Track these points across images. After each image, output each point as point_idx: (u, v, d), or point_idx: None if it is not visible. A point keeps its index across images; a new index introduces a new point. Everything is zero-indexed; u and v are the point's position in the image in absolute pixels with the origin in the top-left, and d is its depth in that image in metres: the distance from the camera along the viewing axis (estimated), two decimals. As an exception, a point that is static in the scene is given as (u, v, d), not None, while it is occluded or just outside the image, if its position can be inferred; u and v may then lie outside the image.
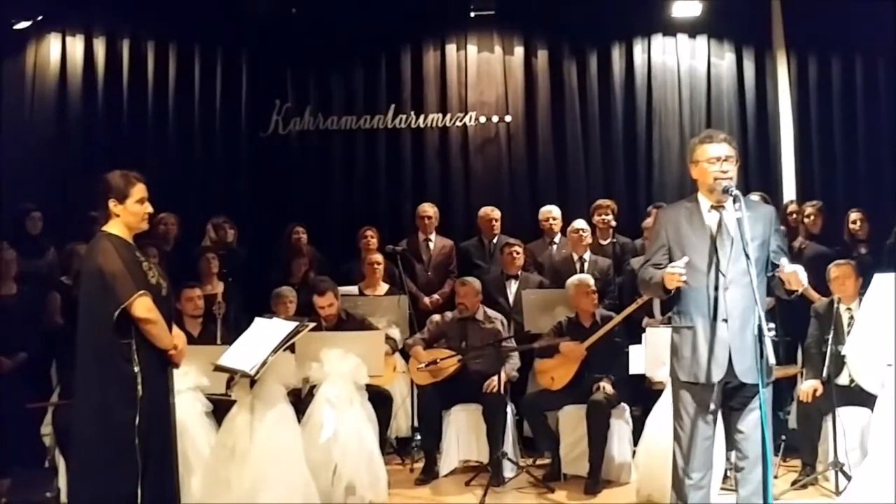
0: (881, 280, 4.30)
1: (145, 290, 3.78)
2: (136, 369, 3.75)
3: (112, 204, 3.87)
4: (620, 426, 5.81)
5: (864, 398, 5.11)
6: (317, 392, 5.31)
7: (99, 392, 3.74)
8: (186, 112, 8.45)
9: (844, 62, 8.30)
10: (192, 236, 7.40)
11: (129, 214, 3.88)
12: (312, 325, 5.00)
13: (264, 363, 4.65)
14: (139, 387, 3.74)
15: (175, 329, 4.02)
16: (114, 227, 3.88)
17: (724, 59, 8.48)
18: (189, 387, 5.09)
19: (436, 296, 7.21)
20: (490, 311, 6.38)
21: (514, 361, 6.16)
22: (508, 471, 5.84)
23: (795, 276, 3.70)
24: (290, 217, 7.71)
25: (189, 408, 5.04)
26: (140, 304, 3.75)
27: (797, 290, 3.79)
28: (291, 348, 5.11)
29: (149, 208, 3.94)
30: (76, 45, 8.36)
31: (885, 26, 7.68)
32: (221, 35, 8.37)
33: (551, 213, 7.48)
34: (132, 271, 3.79)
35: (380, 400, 5.71)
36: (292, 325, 4.83)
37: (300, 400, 5.38)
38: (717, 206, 3.89)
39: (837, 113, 8.31)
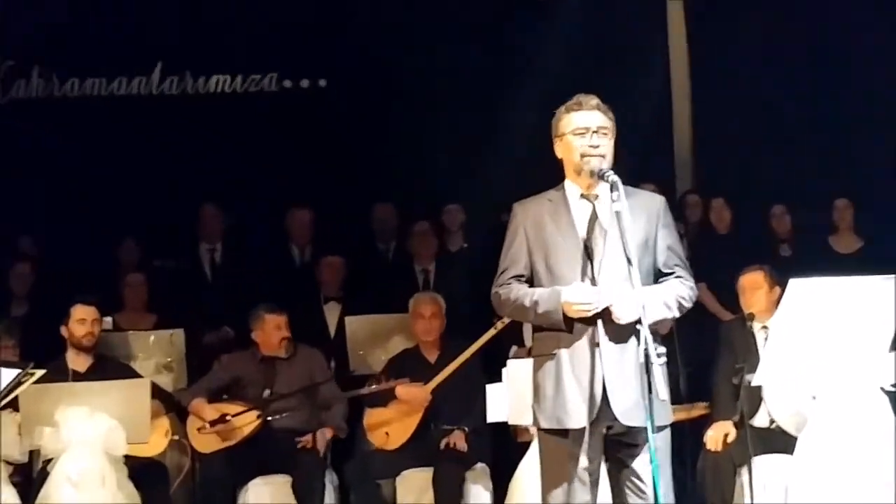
0: (797, 287, 4.46)
1: None
2: None
3: None
4: (479, 493, 5.94)
5: (787, 442, 5.29)
6: (53, 468, 5.18)
7: None
8: None
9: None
10: None
11: None
12: (40, 373, 4.85)
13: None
14: None
15: None
16: None
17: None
18: None
19: (226, 328, 7.16)
20: (302, 346, 6.38)
21: (339, 410, 6.19)
22: (329, 560, 5.90)
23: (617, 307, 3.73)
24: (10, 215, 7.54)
25: None
26: None
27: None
28: (14, 407, 5.00)
29: None
30: None
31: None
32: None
33: (385, 211, 7.60)
34: None
35: (150, 476, 5.67)
36: (12, 373, 4.67)
37: (30, 480, 5.28)
38: (589, 196, 4.00)
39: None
